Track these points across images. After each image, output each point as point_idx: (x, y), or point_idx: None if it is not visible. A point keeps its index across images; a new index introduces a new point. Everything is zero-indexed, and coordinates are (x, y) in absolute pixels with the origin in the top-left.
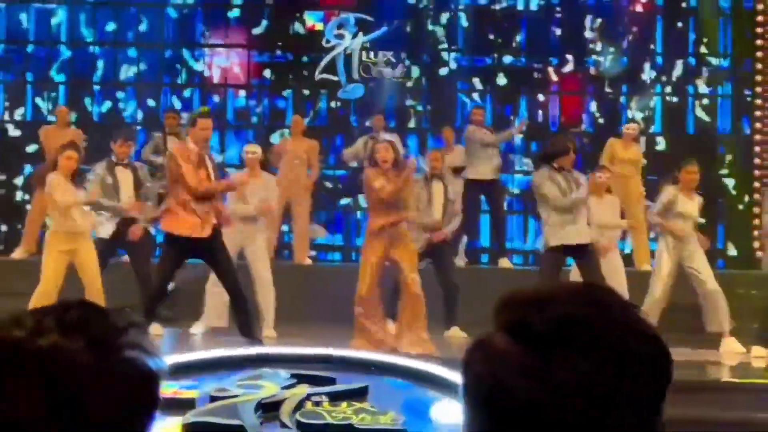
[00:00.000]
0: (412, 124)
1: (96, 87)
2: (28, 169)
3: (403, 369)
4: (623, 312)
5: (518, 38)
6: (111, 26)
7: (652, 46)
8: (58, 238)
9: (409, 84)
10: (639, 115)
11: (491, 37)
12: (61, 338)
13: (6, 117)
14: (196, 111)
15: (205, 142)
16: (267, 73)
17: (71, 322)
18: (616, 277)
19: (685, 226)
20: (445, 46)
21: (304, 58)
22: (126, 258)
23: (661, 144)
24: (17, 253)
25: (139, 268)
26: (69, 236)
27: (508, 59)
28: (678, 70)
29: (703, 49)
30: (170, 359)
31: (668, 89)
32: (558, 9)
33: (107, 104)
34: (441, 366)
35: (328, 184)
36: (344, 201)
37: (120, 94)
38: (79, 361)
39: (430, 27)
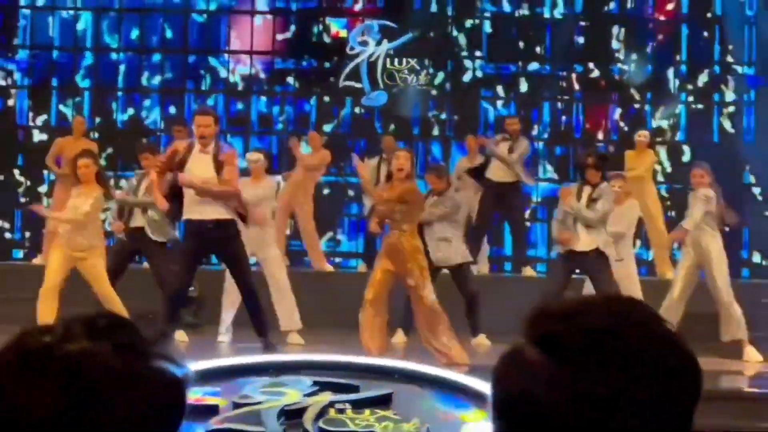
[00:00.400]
0: (435, 131)
1: (120, 93)
2: (52, 176)
3: (427, 377)
4: (655, 325)
5: (542, 45)
6: (135, 32)
7: (677, 55)
8: (63, 241)
9: (433, 91)
10: (664, 124)
11: (515, 44)
12: (89, 344)
13: (30, 123)
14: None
15: (201, 138)
16: (291, 79)
17: (100, 329)
18: (628, 283)
19: (693, 224)
20: (469, 53)
21: (328, 65)
22: (146, 264)
23: (686, 152)
24: (39, 259)
25: (159, 274)
26: (74, 243)
27: (531, 66)
28: (703, 78)
29: (728, 58)
30: (194, 366)
31: (693, 97)
32: (582, 16)
33: (130, 110)
34: (466, 374)
35: (351, 192)
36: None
37: (144, 101)
38: (107, 366)
39: (453, 34)
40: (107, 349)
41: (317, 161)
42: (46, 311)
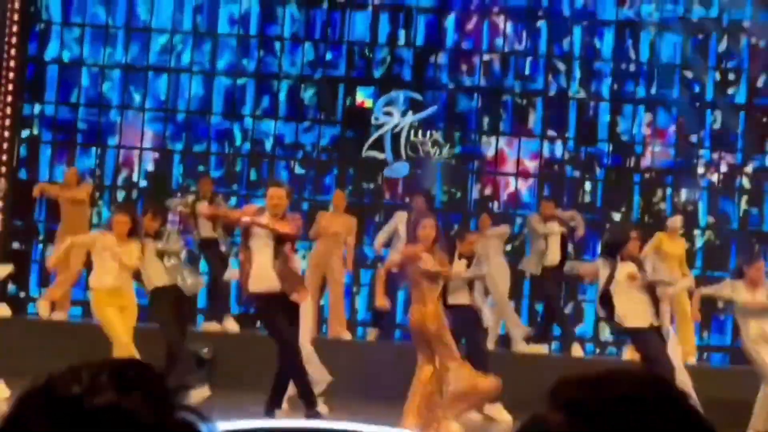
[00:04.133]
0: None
1: (145, 152)
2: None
3: None
4: (681, 400)
5: (567, 124)
6: (161, 93)
7: (700, 140)
8: (101, 295)
9: (456, 164)
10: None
11: (539, 121)
12: (118, 397)
13: (49, 177)
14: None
15: (273, 209)
16: (313, 146)
17: (128, 380)
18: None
19: (761, 322)
20: (493, 128)
21: (352, 134)
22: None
23: (707, 237)
24: (58, 314)
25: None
26: (111, 292)
27: (555, 144)
28: (726, 164)
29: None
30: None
31: (715, 183)
32: (607, 97)
33: (151, 168)
34: None
35: (368, 261)
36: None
37: (167, 160)
38: (135, 420)
39: (478, 109)
40: (135, 402)
41: (342, 228)
42: None
